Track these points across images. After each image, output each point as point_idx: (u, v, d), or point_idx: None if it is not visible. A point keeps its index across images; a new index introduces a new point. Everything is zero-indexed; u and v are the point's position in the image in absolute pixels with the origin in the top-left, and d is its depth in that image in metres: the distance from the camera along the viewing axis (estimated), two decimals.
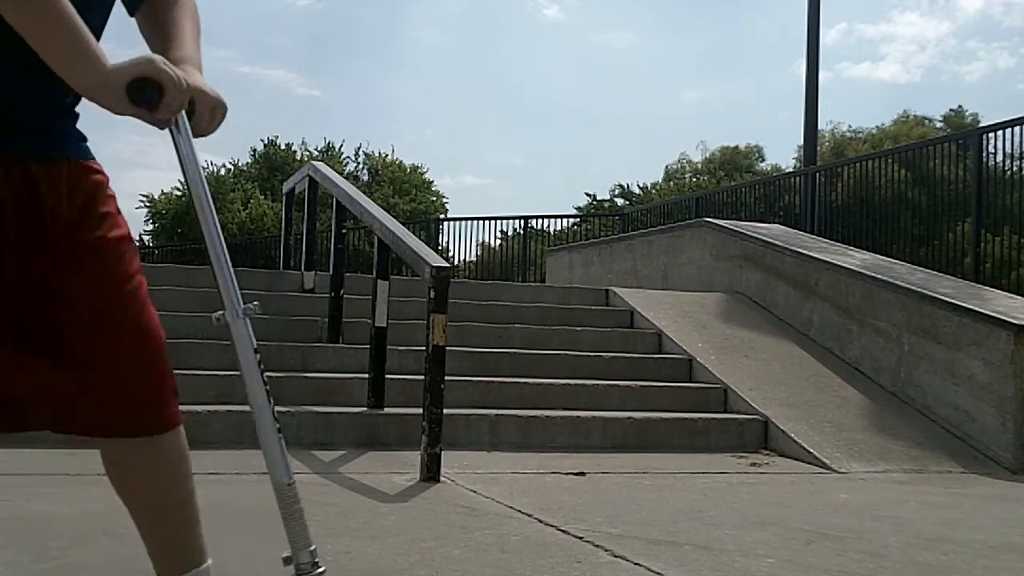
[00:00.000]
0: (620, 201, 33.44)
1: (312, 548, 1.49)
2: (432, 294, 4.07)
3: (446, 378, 4.10)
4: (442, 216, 27.51)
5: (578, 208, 32.41)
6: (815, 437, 5.27)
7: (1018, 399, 5.16)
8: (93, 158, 1.57)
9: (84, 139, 1.57)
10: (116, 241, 1.54)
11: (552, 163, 65.27)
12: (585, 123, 67.58)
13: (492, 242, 16.54)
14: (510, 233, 16.65)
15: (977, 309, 5.53)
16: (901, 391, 5.96)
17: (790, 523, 3.42)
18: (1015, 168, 8.29)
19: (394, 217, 5.39)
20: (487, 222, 15.42)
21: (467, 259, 16.19)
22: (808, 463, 5.04)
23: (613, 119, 68.37)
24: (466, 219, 15.54)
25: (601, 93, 68.68)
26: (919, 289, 6.01)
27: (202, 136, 1.55)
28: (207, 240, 1.51)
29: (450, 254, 15.55)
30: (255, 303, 1.50)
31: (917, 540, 3.19)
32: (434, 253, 4.42)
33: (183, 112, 1.50)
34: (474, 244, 23.76)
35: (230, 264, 1.51)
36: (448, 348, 4.13)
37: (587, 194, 34.31)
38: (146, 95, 1.41)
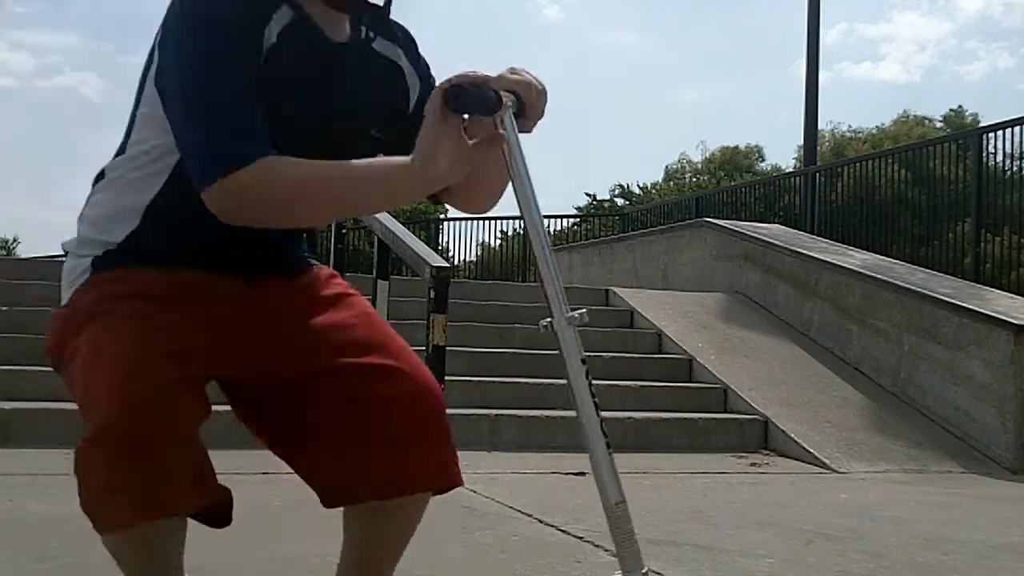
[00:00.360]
0: (620, 201, 33.43)
1: (645, 571, 1.38)
2: (432, 294, 4.07)
3: (446, 378, 4.10)
4: (442, 216, 27.52)
5: (578, 208, 32.40)
6: (815, 437, 5.27)
7: (1018, 399, 5.16)
8: (316, 264, 1.69)
9: (307, 249, 1.69)
10: (349, 322, 1.59)
11: (552, 163, 65.25)
12: (585, 123, 67.60)
13: (492, 242, 16.54)
14: (510, 233, 16.64)
15: (977, 309, 5.53)
16: (901, 391, 5.96)
17: (790, 523, 3.42)
18: (1015, 168, 8.29)
19: (394, 217, 5.39)
20: (487, 222, 15.41)
21: (467, 259, 16.19)
22: (808, 463, 5.04)
23: (613, 119, 68.38)
24: (466, 219, 15.53)
25: (601, 93, 68.71)
26: (919, 289, 6.01)
27: (544, 104, 1.48)
28: (536, 248, 1.43)
29: (450, 254, 15.54)
30: (583, 311, 1.43)
31: (917, 540, 3.19)
32: (434, 253, 4.43)
33: (509, 110, 1.42)
34: (474, 244, 23.76)
35: (559, 272, 1.44)
36: (448, 348, 4.13)
37: (587, 194, 34.27)
38: (462, 101, 1.35)
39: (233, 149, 1.32)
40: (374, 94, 1.56)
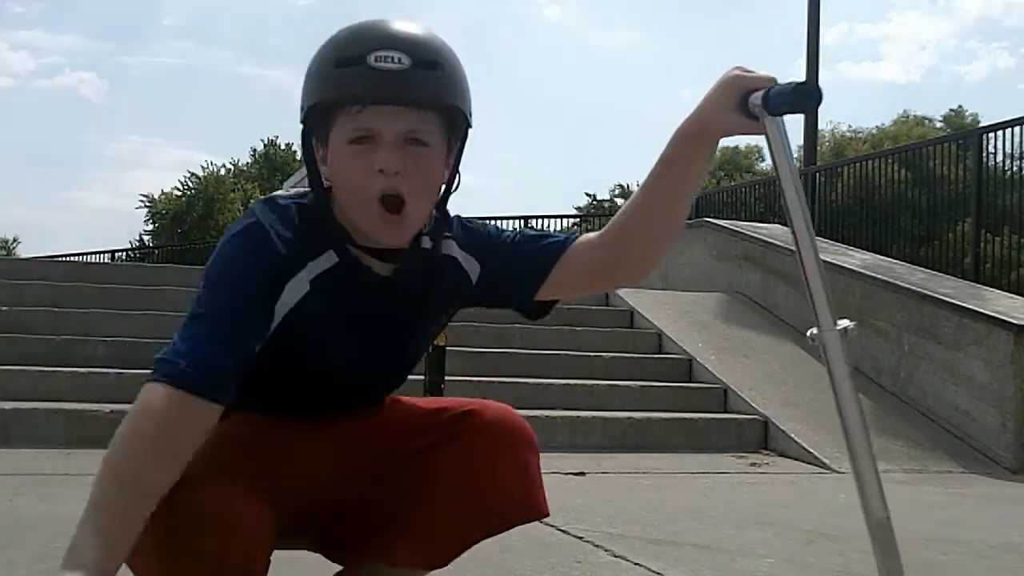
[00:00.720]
0: (620, 201, 33.44)
1: None
2: None
3: (446, 378, 4.10)
4: None
5: (578, 208, 32.41)
6: (815, 437, 5.27)
7: (1018, 399, 5.16)
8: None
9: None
10: (406, 408, 1.64)
11: (552, 163, 65.36)
12: (585, 123, 67.63)
13: None
14: None
15: (977, 309, 5.53)
16: (901, 391, 5.96)
17: (790, 523, 3.42)
18: (1015, 168, 8.28)
19: None
20: (487, 222, 15.37)
21: None
22: (808, 463, 5.04)
23: (613, 119, 68.41)
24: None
25: (601, 93, 68.76)
26: (919, 289, 6.02)
27: None
28: (801, 247, 1.37)
29: None
30: (853, 323, 1.36)
31: (917, 540, 3.19)
32: None
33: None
34: None
35: (827, 281, 1.36)
36: (448, 348, 4.13)
37: (587, 194, 34.27)
38: (808, 93, 1.31)
39: (180, 367, 1.31)
40: (426, 306, 1.55)
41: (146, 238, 30.81)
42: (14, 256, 33.29)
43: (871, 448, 1.34)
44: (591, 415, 5.40)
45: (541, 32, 70.02)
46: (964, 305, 5.61)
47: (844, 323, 1.34)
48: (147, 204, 31.34)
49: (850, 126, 37.20)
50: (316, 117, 1.40)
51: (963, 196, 8.64)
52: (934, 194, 9.23)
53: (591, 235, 1.58)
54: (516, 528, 2.94)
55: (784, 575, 2.66)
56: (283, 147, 33.69)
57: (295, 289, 1.43)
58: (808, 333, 1.35)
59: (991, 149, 8.21)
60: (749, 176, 31.82)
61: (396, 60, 1.34)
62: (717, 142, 1.47)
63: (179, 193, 31.15)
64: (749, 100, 1.37)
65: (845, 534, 3.23)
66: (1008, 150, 8.07)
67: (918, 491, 4.40)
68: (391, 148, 1.36)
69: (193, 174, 31.56)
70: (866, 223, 9.76)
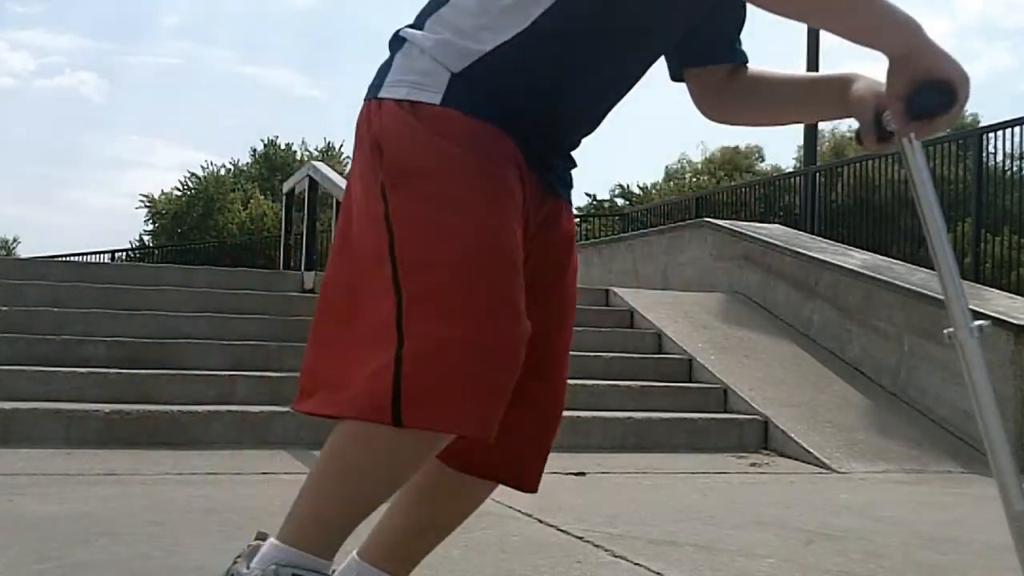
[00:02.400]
0: (620, 201, 33.44)
1: None
2: None
3: None
4: None
5: (578, 208, 32.39)
6: (815, 437, 5.27)
7: (1018, 399, 5.16)
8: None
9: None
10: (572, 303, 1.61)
11: None
12: None
13: None
14: None
15: (977, 309, 5.53)
16: (901, 391, 5.96)
17: (790, 523, 3.42)
18: (1015, 168, 8.29)
19: None
20: None
21: None
22: (808, 463, 5.04)
23: (613, 119, 68.29)
24: None
25: None
26: (919, 289, 6.01)
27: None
28: (940, 256, 1.41)
29: None
30: (986, 323, 1.41)
31: (917, 540, 3.19)
32: None
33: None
34: None
35: (961, 283, 1.40)
36: None
37: (587, 194, 34.29)
38: (938, 98, 1.28)
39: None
40: None
41: (146, 238, 30.85)
42: (14, 256, 33.31)
43: (1008, 443, 1.41)
44: (591, 415, 5.40)
45: None
46: None
47: (978, 322, 1.40)
48: (147, 204, 31.35)
49: (850, 126, 37.24)
50: None
51: (963, 196, 8.65)
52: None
53: (740, 67, 1.58)
54: (516, 528, 2.95)
55: (784, 575, 2.66)
56: (283, 147, 33.69)
57: None
58: (945, 332, 1.43)
59: (991, 149, 8.22)
60: (749, 176, 31.83)
61: None
62: None
63: (179, 193, 31.19)
64: (883, 118, 1.37)
65: (845, 534, 3.23)
66: (1008, 150, 8.08)
67: (918, 491, 4.40)
68: None
69: (193, 174, 31.61)
70: (866, 223, 9.77)
